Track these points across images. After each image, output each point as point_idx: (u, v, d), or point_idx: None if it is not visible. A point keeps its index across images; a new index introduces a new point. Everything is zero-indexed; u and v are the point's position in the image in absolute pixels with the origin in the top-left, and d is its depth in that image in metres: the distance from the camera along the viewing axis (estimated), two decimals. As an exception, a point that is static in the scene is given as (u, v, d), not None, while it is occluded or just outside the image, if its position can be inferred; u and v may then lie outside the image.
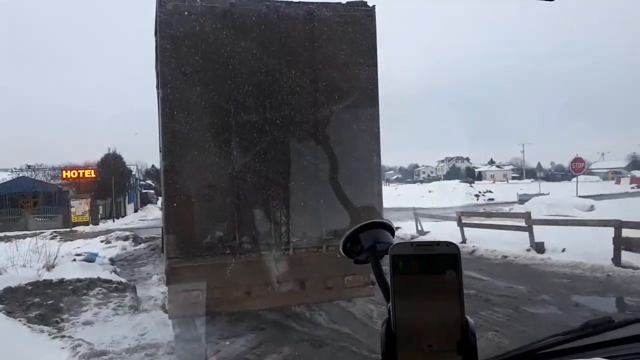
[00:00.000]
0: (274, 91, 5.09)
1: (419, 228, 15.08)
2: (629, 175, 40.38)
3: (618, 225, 8.69)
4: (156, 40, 5.37)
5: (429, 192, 35.44)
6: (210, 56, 4.97)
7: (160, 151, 5.40)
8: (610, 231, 8.75)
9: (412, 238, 14.43)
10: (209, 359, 5.11)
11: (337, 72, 5.28)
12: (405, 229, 15.75)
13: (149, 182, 51.55)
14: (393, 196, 31.54)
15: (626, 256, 8.56)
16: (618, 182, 37.28)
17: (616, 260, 8.51)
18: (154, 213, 35.14)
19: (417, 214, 15.79)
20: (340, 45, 5.31)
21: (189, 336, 5.50)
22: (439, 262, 0.67)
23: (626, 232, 8.71)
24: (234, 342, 5.48)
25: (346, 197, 5.27)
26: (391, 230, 0.85)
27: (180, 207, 4.95)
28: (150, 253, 14.11)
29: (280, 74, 5.12)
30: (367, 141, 5.44)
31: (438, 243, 0.68)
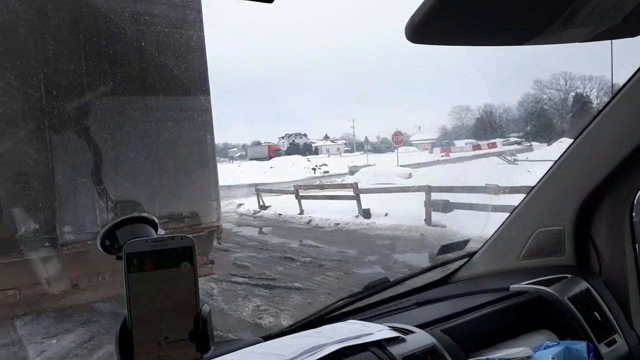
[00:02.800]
0: (93, 72, 4.71)
1: (261, 203, 15.43)
2: (439, 146, 46.23)
3: (428, 190, 10.11)
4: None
5: (271, 167, 36.12)
6: (18, 25, 4.38)
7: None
8: (423, 195, 10.14)
9: (254, 213, 14.73)
10: (32, 361, 4.67)
11: (165, 50, 5.09)
12: (248, 205, 15.97)
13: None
14: (237, 173, 31.43)
15: (436, 216, 9.99)
16: (431, 151, 42.54)
17: (428, 220, 9.91)
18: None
19: (259, 190, 16.09)
20: (165, 17, 5.11)
21: (6, 340, 4.96)
22: (173, 256, 0.68)
23: (435, 196, 10.20)
24: (62, 339, 5.06)
25: (180, 178, 5.20)
26: (153, 224, 0.83)
27: (-17, 198, 4.35)
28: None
29: (100, 54, 4.75)
30: (199, 122, 5.40)
31: (173, 237, 0.69)
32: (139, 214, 0.83)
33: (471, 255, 1.75)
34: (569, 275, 1.51)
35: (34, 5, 4.50)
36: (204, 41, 5.37)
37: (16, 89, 4.43)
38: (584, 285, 1.46)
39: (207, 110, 5.46)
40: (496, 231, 1.72)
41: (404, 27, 0.66)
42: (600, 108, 1.44)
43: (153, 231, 0.82)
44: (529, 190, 1.67)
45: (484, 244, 1.74)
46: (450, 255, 1.79)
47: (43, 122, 4.53)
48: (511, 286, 1.50)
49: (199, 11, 5.37)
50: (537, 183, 1.62)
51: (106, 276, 4.99)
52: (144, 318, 0.67)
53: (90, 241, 4.78)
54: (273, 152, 56.24)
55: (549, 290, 1.43)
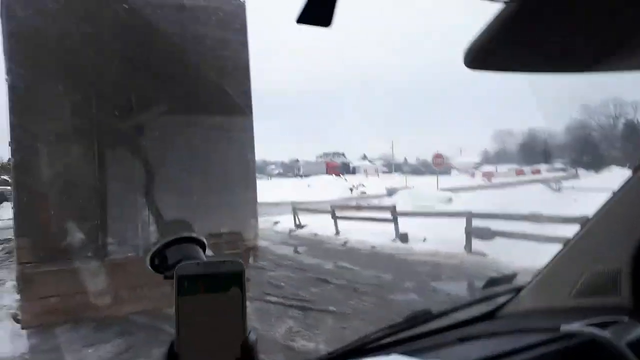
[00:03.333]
0: (140, 89, 4.89)
1: (297, 222, 15.47)
2: (481, 170, 45.38)
3: (469, 215, 9.85)
4: (2, 22, 4.83)
5: (308, 186, 36.37)
6: (68, 44, 4.61)
7: (9, 145, 4.88)
8: (463, 221, 9.87)
9: (290, 232, 14.76)
10: (68, 370, 4.77)
11: (207, 66, 5.23)
12: (284, 223, 16.05)
13: (5, 177, 45.29)
14: (274, 190, 31.80)
15: (476, 244, 9.70)
16: (472, 175, 41.75)
17: (468, 248, 9.63)
18: (10, 212, 30.97)
19: (295, 208, 16.17)
20: (210, 39, 5.27)
21: (46, 346, 5.08)
22: (223, 280, 0.68)
23: (476, 222, 9.92)
24: (99, 349, 5.15)
25: (220, 195, 5.27)
26: (202, 244, 0.84)
27: (33, 206, 4.54)
28: (5, 257, 12.50)
29: (148, 68, 4.93)
30: (241, 139, 5.49)
31: (224, 261, 0.69)
32: (188, 234, 0.84)
33: (519, 289, 1.65)
34: (626, 319, 1.39)
35: (90, 25, 4.73)
36: (249, 61, 5.50)
37: (70, 106, 4.65)
38: None
39: (249, 129, 5.56)
40: (546, 265, 1.63)
41: (463, 53, 0.63)
42: None
43: (201, 252, 0.84)
44: (581, 222, 1.57)
45: (533, 279, 1.64)
46: (497, 289, 1.70)
47: (93, 138, 4.71)
48: (562, 326, 1.40)
49: (244, 31, 5.50)
50: (593, 216, 1.52)
51: (144, 289, 5.07)
52: (192, 342, 0.66)
53: (131, 254, 4.90)
54: (331, 169, 54.60)
55: (604, 334, 1.32)
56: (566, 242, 1.60)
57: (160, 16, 5.06)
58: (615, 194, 1.46)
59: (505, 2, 0.54)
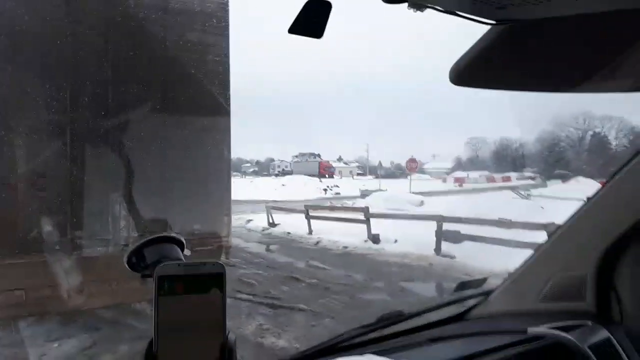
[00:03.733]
0: (119, 86, 4.82)
1: (270, 220, 15.41)
2: (453, 175, 46.06)
3: (440, 219, 10.01)
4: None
5: (283, 185, 36.27)
6: (45, 40, 4.50)
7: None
8: (434, 224, 10.03)
9: (263, 230, 14.69)
10: (30, 365, 4.65)
11: (187, 65, 5.19)
12: (257, 221, 15.96)
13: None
14: (248, 189, 31.58)
15: (445, 246, 9.88)
16: (444, 180, 42.36)
17: (437, 250, 9.80)
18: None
19: (269, 207, 16.10)
20: (192, 35, 5.22)
21: (8, 340, 4.95)
22: (204, 282, 0.68)
23: (446, 225, 10.09)
24: (64, 344, 5.04)
25: (194, 191, 5.23)
26: (181, 244, 0.84)
27: (0, 198, 4.41)
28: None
29: (128, 66, 4.86)
30: (217, 137, 5.46)
31: (204, 263, 0.68)
32: (168, 233, 0.84)
33: (488, 293, 1.71)
34: (590, 323, 1.46)
35: (71, 21, 4.63)
36: (229, 60, 5.47)
37: (46, 101, 4.54)
38: (604, 334, 1.41)
39: (226, 129, 5.54)
40: (516, 270, 1.69)
41: (449, 71, 0.66)
42: (620, 149, 1.41)
43: (180, 251, 0.83)
44: (549, 229, 1.64)
45: (503, 283, 1.70)
46: (467, 292, 1.75)
47: (67, 133, 4.61)
48: (529, 329, 1.46)
49: (226, 31, 5.48)
50: (563, 224, 1.59)
51: (113, 284, 5.00)
52: (170, 342, 0.66)
53: (100, 248, 4.81)
54: (325, 169, 50.94)
55: (568, 336, 1.38)
56: (536, 249, 1.67)
57: (143, 15, 4.99)
58: (585, 204, 1.53)
59: (491, 24, 0.58)
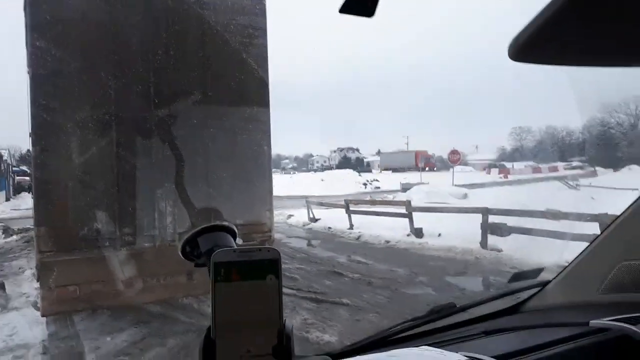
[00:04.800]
0: (162, 79, 4.92)
1: (311, 215, 15.48)
2: (497, 166, 44.81)
3: (485, 212, 9.73)
4: (25, 14, 4.88)
5: (322, 180, 36.36)
6: (90, 34, 4.65)
7: (30, 135, 4.94)
8: (479, 217, 9.78)
9: (304, 225, 14.79)
10: (86, 357, 4.83)
11: (227, 61, 5.24)
12: (298, 217, 16.08)
13: (24, 168, 45.84)
14: (288, 184, 31.89)
15: (492, 240, 9.60)
16: (489, 172, 41.19)
17: (483, 243, 9.53)
18: (28, 202, 31.39)
19: (309, 202, 16.18)
20: (230, 33, 5.26)
21: (64, 334, 5.17)
22: (259, 268, 0.67)
23: (492, 218, 9.81)
24: (115, 338, 5.22)
25: (237, 186, 5.29)
26: (233, 233, 0.84)
27: (52, 195, 4.60)
28: (24, 245, 12.71)
29: (170, 59, 4.95)
30: (258, 131, 5.49)
31: (260, 249, 0.68)
32: (220, 222, 0.84)
33: (544, 284, 1.62)
34: None
35: (112, 16, 4.75)
36: (267, 52, 5.48)
37: (91, 97, 4.69)
38: None
39: (267, 121, 5.55)
40: (574, 260, 1.59)
41: (508, 45, 0.61)
42: None
43: (232, 240, 0.83)
44: (604, 219, 1.54)
45: (560, 273, 1.61)
46: (521, 284, 1.67)
47: (112, 128, 4.75)
48: (591, 321, 1.37)
49: (264, 22, 5.48)
50: (624, 212, 1.48)
51: (160, 279, 5.13)
52: (228, 329, 0.66)
53: (147, 244, 4.94)
54: (422, 159, 42.79)
55: (635, 329, 1.29)
56: (595, 238, 1.57)
57: (182, 6, 5.07)
58: None
59: None
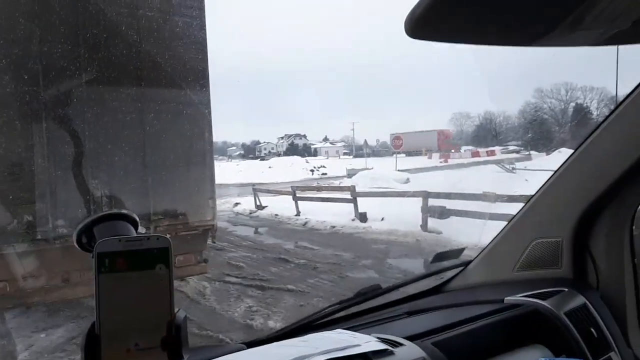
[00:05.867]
0: (90, 60, 4.65)
1: (258, 203, 15.38)
2: (437, 152, 46.24)
3: (425, 195, 10.06)
4: None
5: (269, 167, 36.15)
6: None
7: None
8: (420, 201, 10.10)
9: (250, 213, 14.69)
10: (19, 355, 4.61)
11: (163, 41, 5.04)
12: (245, 205, 15.94)
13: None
14: (235, 172, 31.46)
15: (432, 222, 9.96)
16: (430, 157, 42.44)
17: (424, 226, 9.87)
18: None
19: (256, 190, 16.05)
20: (166, 11, 5.06)
21: (-5, 332, 4.91)
22: (148, 257, 0.64)
23: (432, 202, 10.17)
24: (51, 334, 5.02)
25: (176, 174, 5.16)
26: (134, 222, 0.79)
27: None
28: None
29: (98, 36, 4.68)
30: (197, 116, 5.35)
31: (148, 237, 0.65)
32: (118, 210, 0.79)
33: (466, 264, 1.70)
34: (566, 289, 1.47)
35: None
36: (205, 32, 5.32)
37: (14, 80, 4.38)
38: (580, 300, 1.42)
39: (206, 106, 5.41)
40: (492, 240, 1.68)
41: (404, 22, 0.62)
42: (601, 119, 1.40)
43: (133, 229, 0.78)
44: (527, 199, 1.63)
45: (480, 253, 1.70)
46: (445, 264, 1.74)
47: (40, 114, 4.47)
48: (506, 298, 1.46)
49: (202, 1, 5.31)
50: (536, 193, 1.58)
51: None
52: (114, 323, 0.62)
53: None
54: (445, 141, 37.38)
55: (544, 304, 1.38)
56: (511, 219, 1.66)
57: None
58: (556, 171, 1.51)
59: None
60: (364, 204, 11.52)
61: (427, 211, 10.01)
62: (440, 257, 1.74)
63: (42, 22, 4.50)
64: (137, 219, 0.81)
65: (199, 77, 5.27)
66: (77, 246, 0.78)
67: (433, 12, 0.59)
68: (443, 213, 10.12)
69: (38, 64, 4.45)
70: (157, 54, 4.94)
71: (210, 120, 5.49)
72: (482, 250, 1.70)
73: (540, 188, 1.56)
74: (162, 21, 5.00)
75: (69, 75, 4.59)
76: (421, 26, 0.61)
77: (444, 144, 34.85)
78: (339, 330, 1.19)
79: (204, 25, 5.29)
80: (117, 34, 4.80)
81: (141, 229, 0.82)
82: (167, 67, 4.98)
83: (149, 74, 4.93)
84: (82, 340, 0.62)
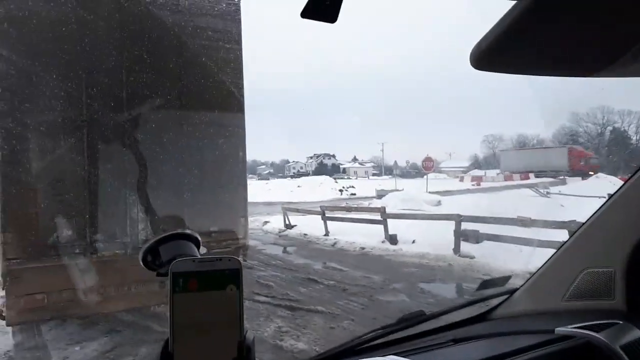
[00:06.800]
0: (134, 82, 4.83)
1: (287, 222, 15.42)
2: (470, 174, 45.55)
3: (458, 219, 9.87)
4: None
5: (298, 187, 36.37)
6: (64, 32, 4.54)
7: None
8: (452, 224, 9.92)
9: (279, 232, 14.72)
10: (53, 367, 4.70)
11: (201, 66, 5.19)
12: (274, 223, 16.00)
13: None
14: (264, 191, 31.75)
15: (464, 246, 9.74)
16: (461, 179, 41.80)
17: (456, 250, 9.66)
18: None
19: (285, 209, 16.12)
20: (205, 37, 5.22)
21: (31, 344, 5.04)
22: (220, 278, 0.66)
23: (465, 225, 9.97)
24: (85, 347, 5.10)
25: (211, 193, 5.24)
26: (196, 241, 0.82)
27: (20, 201, 4.46)
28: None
29: (142, 65, 4.87)
30: (233, 137, 5.45)
31: (220, 258, 0.67)
32: (182, 230, 0.82)
33: (512, 292, 1.66)
34: (620, 322, 1.40)
35: (87, 12, 4.64)
36: (242, 57, 5.46)
37: (62, 96, 4.57)
38: (637, 333, 1.36)
39: (241, 126, 5.52)
40: (540, 268, 1.64)
41: (470, 53, 0.63)
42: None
43: (195, 249, 0.82)
44: (571, 226, 1.58)
45: (527, 281, 1.65)
46: (490, 291, 1.70)
47: (82, 131, 4.65)
48: (557, 329, 1.40)
49: (239, 26, 5.47)
50: (588, 220, 1.53)
51: (132, 287, 5.02)
52: (187, 341, 0.64)
53: (119, 251, 4.84)
54: (582, 160, 28.97)
55: (598, 336, 1.33)
56: (560, 246, 1.61)
57: (158, 8, 5.01)
58: (609, 198, 1.47)
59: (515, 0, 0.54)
60: (394, 225, 11.38)
61: (460, 235, 9.82)
62: (485, 284, 1.70)
63: (131, 54, 4.75)
64: (200, 239, 0.84)
65: (237, 99, 5.40)
66: (142, 264, 0.81)
67: (500, 45, 0.59)
68: (476, 237, 9.90)
69: (123, 92, 4.69)
70: (199, 79, 5.11)
71: (245, 141, 5.59)
72: (529, 278, 1.65)
73: (592, 215, 1.51)
74: (205, 47, 5.18)
75: (150, 102, 4.81)
76: (487, 58, 0.62)
77: (578, 164, 28.55)
78: (391, 357, 1.17)
79: (241, 51, 5.45)
80: (168, 59, 5.00)
81: (202, 249, 0.84)
82: (208, 92, 5.13)
83: (192, 98, 5.11)
84: (157, 357, 0.65)
